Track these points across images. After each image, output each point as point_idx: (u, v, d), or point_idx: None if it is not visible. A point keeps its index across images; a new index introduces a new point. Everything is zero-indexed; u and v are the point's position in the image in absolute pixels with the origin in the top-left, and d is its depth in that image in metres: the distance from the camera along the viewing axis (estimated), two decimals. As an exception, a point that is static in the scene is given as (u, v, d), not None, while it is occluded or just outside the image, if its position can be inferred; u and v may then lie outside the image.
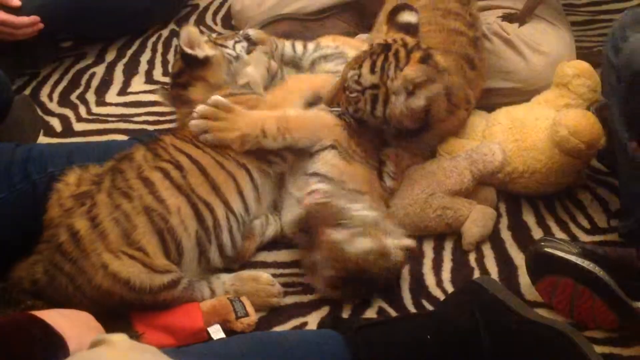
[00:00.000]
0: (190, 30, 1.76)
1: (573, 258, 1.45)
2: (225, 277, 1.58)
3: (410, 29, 1.69)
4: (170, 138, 1.67)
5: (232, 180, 1.62)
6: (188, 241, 1.53)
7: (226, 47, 1.79)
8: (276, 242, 1.73)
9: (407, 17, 1.70)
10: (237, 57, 1.82)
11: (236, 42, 1.85)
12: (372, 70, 1.63)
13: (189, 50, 1.74)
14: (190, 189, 1.56)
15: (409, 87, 1.60)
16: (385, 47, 1.65)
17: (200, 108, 1.65)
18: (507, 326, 1.37)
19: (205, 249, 1.56)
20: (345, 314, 1.57)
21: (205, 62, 1.75)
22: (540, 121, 1.76)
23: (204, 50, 1.76)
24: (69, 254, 1.44)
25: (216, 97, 1.66)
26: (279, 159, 1.69)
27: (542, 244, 1.50)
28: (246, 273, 1.61)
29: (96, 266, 1.43)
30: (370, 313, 1.57)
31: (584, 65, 1.78)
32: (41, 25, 2.08)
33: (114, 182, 1.53)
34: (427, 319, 1.44)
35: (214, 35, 1.90)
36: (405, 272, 1.65)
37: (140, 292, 1.44)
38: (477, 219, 1.69)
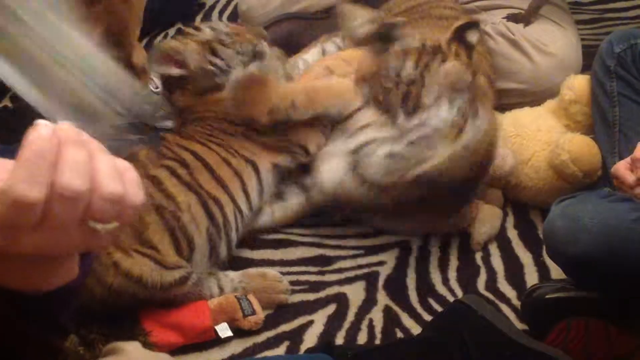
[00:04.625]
0: (160, 47, 1.69)
1: (578, 293, 1.44)
2: (233, 275, 1.59)
3: (469, 49, 1.62)
4: (173, 137, 1.66)
5: (237, 178, 1.62)
6: (199, 238, 1.53)
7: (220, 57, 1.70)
8: (282, 240, 1.73)
9: (472, 37, 1.61)
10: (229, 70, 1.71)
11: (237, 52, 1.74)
12: (415, 67, 1.56)
13: (160, 70, 1.70)
14: (199, 185, 1.56)
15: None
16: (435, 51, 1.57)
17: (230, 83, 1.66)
18: (497, 350, 1.35)
19: (216, 245, 1.57)
20: (351, 312, 1.58)
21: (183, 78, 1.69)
22: (542, 133, 1.76)
23: (175, 69, 1.68)
24: None
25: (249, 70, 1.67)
26: (302, 150, 1.68)
27: (540, 292, 1.47)
28: (253, 270, 1.62)
29: (107, 265, 1.43)
30: (377, 312, 1.58)
31: (583, 90, 1.75)
32: None
33: None
34: (417, 343, 1.43)
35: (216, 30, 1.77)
36: (412, 270, 1.66)
37: (152, 289, 1.45)
38: (485, 218, 1.69)
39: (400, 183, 1.58)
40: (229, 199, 1.59)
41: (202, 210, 1.54)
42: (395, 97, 1.59)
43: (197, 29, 1.73)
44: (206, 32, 1.71)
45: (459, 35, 1.60)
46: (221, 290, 1.56)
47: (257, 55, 1.71)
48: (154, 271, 1.45)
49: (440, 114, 1.54)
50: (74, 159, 0.57)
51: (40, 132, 0.57)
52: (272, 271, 1.61)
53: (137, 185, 0.62)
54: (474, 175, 1.62)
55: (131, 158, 1.57)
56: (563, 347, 1.42)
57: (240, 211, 1.62)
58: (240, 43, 1.70)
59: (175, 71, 1.67)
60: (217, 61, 1.67)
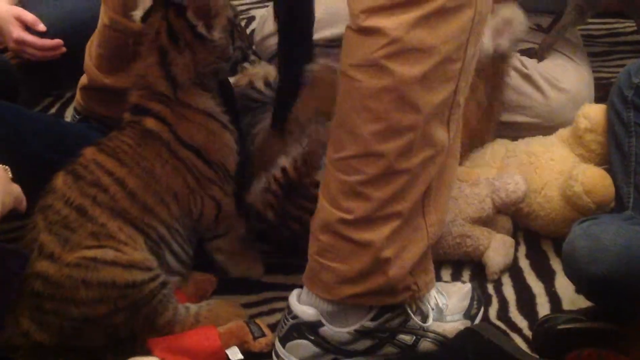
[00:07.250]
0: None
1: (589, 324, 1.43)
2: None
3: None
4: (92, 151, 1.51)
5: (163, 204, 1.51)
6: (141, 249, 1.46)
7: None
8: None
9: None
10: None
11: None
12: None
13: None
14: (124, 210, 1.46)
15: None
16: None
17: None
18: None
19: (160, 254, 1.51)
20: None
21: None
22: (555, 162, 1.77)
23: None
24: (45, 292, 1.38)
25: None
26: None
27: (551, 323, 1.46)
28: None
29: (76, 282, 1.38)
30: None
31: (598, 118, 1.74)
32: (64, 49, 2.12)
33: (47, 219, 1.42)
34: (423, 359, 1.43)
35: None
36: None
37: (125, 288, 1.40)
38: (498, 247, 1.69)
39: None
40: (158, 222, 1.50)
41: (133, 229, 1.45)
42: None
43: None
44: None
45: None
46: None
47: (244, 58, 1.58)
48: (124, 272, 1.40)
49: None
50: None
51: None
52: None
53: None
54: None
55: (50, 191, 1.46)
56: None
57: (178, 230, 1.54)
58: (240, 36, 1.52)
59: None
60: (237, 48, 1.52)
